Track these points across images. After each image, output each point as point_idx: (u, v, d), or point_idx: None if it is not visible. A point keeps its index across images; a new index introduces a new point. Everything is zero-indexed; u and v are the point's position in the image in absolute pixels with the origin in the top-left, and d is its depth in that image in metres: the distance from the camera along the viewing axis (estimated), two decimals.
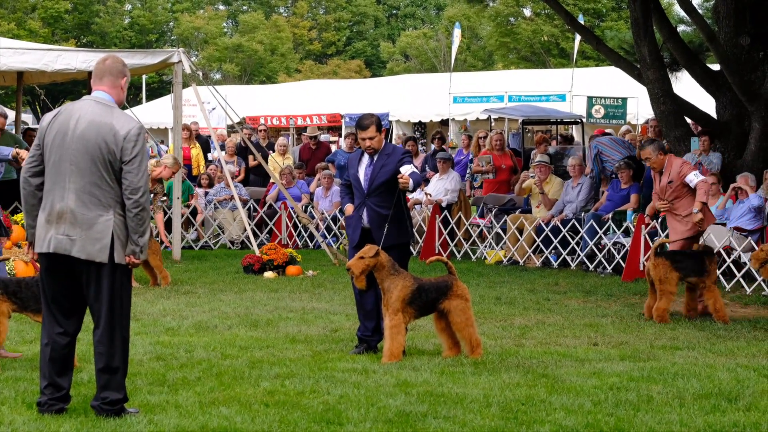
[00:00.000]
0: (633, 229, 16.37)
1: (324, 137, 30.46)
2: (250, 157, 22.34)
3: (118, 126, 7.52)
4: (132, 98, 59.64)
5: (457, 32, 39.66)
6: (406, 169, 10.07)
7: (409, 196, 17.72)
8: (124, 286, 7.64)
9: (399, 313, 9.77)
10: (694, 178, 13.18)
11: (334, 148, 28.26)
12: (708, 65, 18.84)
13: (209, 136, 23.05)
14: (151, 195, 14.23)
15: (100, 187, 7.50)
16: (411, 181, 10.04)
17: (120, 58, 7.91)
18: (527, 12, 61.44)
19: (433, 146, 23.41)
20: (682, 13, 21.20)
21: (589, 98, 26.90)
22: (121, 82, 7.79)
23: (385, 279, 9.84)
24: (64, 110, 7.73)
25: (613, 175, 18.21)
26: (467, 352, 10.01)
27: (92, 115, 7.56)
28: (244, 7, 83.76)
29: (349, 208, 10.68)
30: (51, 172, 7.62)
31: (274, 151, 22.54)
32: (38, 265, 13.66)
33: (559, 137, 25.90)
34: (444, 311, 9.99)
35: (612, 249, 16.99)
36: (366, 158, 10.49)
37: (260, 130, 24.50)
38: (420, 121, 37.50)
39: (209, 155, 23.73)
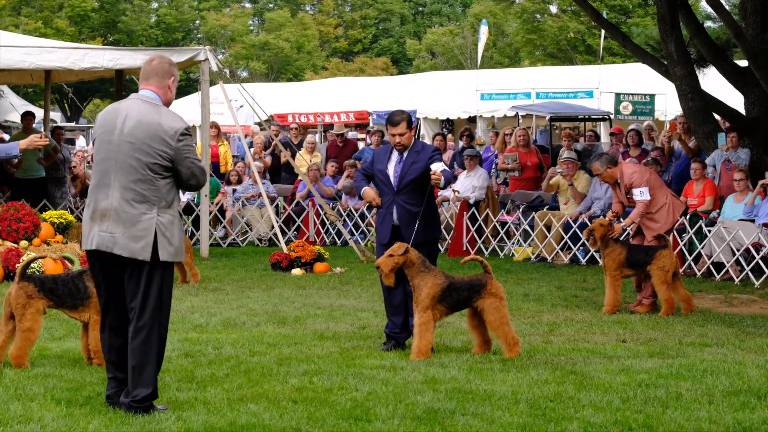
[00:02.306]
0: None
1: (352, 135, 30.47)
2: (281, 154, 22.40)
3: (166, 125, 7.56)
4: None
5: (483, 29, 39.52)
6: (437, 167, 10.09)
7: (438, 192, 17.72)
8: (165, 284, 7.66)
9: (428, 311, 9.75)
10: (638, 195, 13.19)
11: (361, 145, 28.25)
12: (735, 61, 18.74)
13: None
14: None
15: (146, 185, 7.53)
16: (443, 178, 10.06)
17: (167, 58, 7.93)
18: (553, 9, 61.22)
19: (461, 143, 23.37)
20: (709, 9, 21.11)
21: (617, 95, 26.75)
22: (169, 81, 7.82)
23: (415, 276, 9.82)
24: (111, 109, 7.80)
25: None
26: (504, 352, 9.94)
27: (139, 114, 7.60)
28: (270, 5, 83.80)
29: (367, 192, 10.60)
30: (97, 170, 7.71)
31: (302, 149, 22.58)
32: (67, 264, 13.80)
33: (587, 134, 25.77)
34: (478, 309, 9.96)
35: None
36: (395, 155, 10.49)
37: (292, 128, 24.58)
38: (448, 119, 37.38)
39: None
